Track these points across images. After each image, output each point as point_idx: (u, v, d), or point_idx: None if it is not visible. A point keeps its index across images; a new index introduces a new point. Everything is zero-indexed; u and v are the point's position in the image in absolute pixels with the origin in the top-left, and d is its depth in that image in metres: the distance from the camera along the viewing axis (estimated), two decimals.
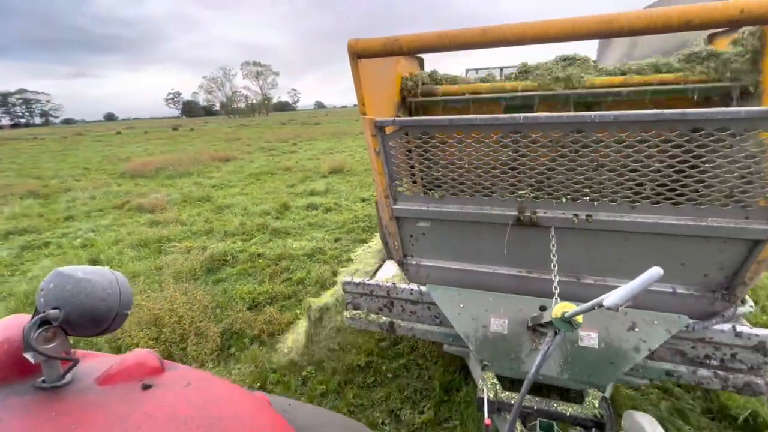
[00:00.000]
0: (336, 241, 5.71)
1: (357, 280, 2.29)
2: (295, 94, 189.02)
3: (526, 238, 1.86)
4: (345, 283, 2.33)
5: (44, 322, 0.63)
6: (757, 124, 1.33)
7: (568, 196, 1.73)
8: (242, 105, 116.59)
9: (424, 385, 2.75)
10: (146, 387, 0.69)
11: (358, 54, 1.57)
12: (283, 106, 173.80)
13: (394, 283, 2.22)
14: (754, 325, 1.79)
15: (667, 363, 1.79)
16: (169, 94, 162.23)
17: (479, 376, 1.85)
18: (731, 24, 1.18)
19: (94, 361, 0.79)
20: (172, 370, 0.77)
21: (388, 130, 1.77)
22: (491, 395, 1.63)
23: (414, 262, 2.20)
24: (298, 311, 3.79)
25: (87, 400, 0.65)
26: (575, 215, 1.71)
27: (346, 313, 2.36)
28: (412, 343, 3.14)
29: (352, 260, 4.98)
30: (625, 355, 1.68)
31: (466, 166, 1.79)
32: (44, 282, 0.66)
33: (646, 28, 1.22)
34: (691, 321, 1.70)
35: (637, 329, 1.72)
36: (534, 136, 1.60)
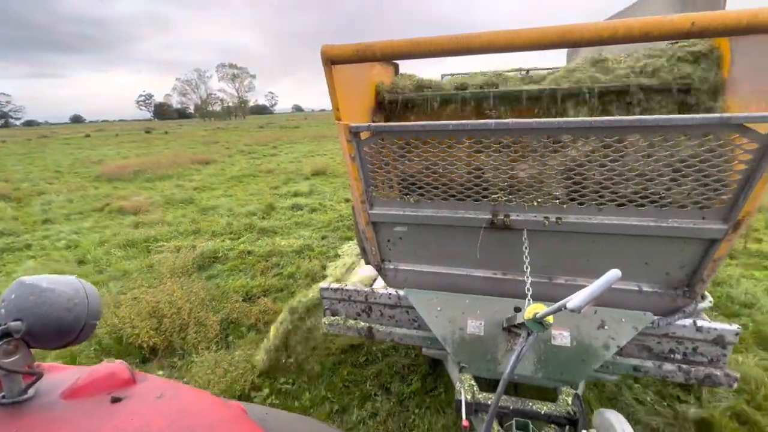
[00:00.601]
0: (323, 238, 5.95)
1: (335, 285, 2.31)
2: (272, 97, 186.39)
3: (500, 240, 1.89)
4: (323, 289, 2.32)
5: (5, 335, 0.61)
6: (710, 131, 1.41)
7: (539, 200, 1.78)
8: (218, 108, 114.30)
9: (411, 362, 3.05)
10: (116, 400, 0.66)
11: (332, 60, 1.57)
12: (261, 110, 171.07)
13: (372, 288, 2.25)
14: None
15: (635, 359, 1.88)
16: (141, 95, 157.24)
17: (457, 378, 1.86)
18: (684, 36, 1.25)
19: (60, 374, 0.75)
20: (144, 382, 0.75)
21: (363, 135, 1.77)
22: (469, 397, 1.64)
23: (392, 267, 2.18)
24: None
25: (51, 415, 0.62)
26: (546, 218, 1.74)
27: (324, 320, 2.36)
28: None
29: (339, 255, 5.23)
30: (596, 352, 1.74)
31: (441, 170, 1.82)
32: (6, 293, 0.64)
33: (609, 38, 1.27)
34: (655, 317, 1.77)
35: (606, 327, 1.77)
36: (505, 141, 1.65)
